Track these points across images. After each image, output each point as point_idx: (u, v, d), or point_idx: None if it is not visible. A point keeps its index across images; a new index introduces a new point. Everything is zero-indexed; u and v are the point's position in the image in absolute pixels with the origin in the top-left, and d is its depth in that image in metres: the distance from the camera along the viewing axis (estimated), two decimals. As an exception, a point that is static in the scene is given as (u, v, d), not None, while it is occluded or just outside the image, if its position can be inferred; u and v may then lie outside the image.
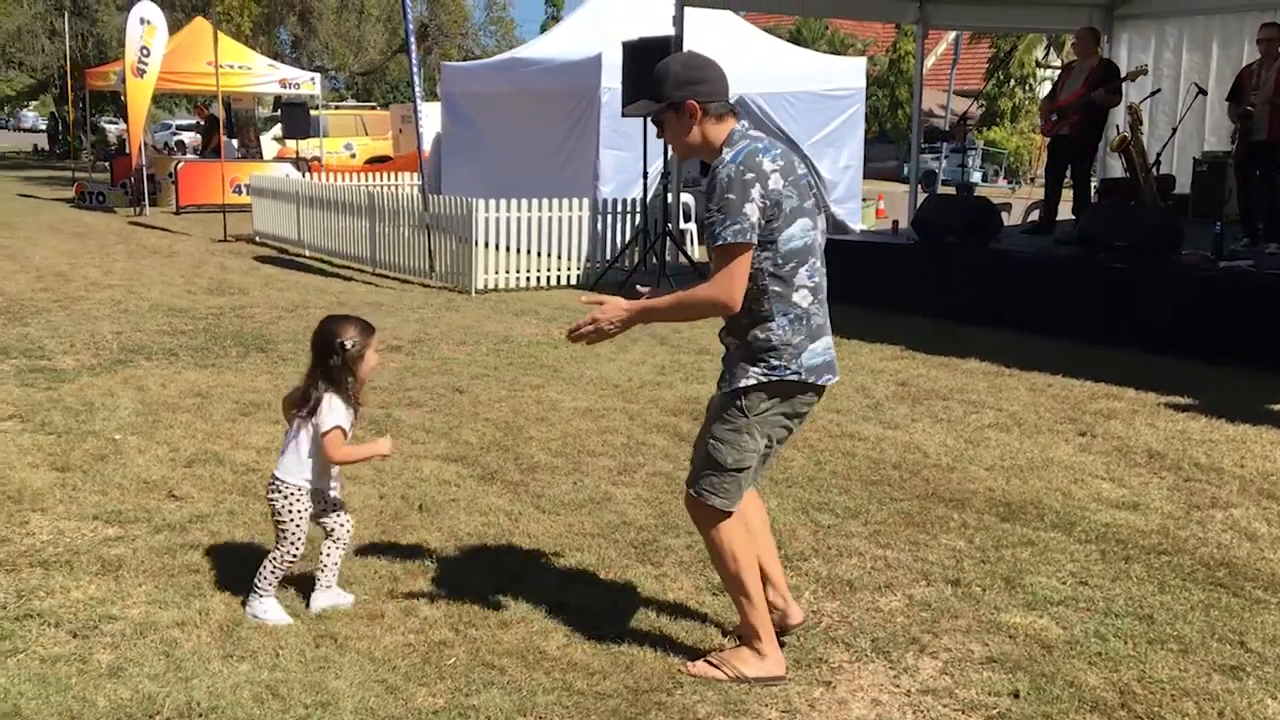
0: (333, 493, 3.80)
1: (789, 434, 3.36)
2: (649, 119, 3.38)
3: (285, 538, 3.70)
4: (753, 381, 3.21)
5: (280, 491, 3.69)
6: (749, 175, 3.11)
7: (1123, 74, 10.85)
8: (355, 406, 3.69)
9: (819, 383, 3.27)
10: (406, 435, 5.88)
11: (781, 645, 3.47)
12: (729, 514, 3.31)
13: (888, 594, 4.00)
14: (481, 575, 4.06)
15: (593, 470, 5.36)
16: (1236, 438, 5.99)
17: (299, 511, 3.70)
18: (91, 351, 7.78)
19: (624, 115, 3.64)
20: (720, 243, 3.11)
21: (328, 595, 3.78)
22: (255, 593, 3.70)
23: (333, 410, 3.61)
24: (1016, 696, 3.30)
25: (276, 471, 3.72)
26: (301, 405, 3.66)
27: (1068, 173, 10.81)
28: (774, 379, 3.21)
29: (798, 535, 4.53)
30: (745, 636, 3.40)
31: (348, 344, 3.61)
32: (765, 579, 3.51)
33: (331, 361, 3.61)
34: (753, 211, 3.10)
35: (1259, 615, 3.82)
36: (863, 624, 3.76)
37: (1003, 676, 3.41)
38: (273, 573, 3.71)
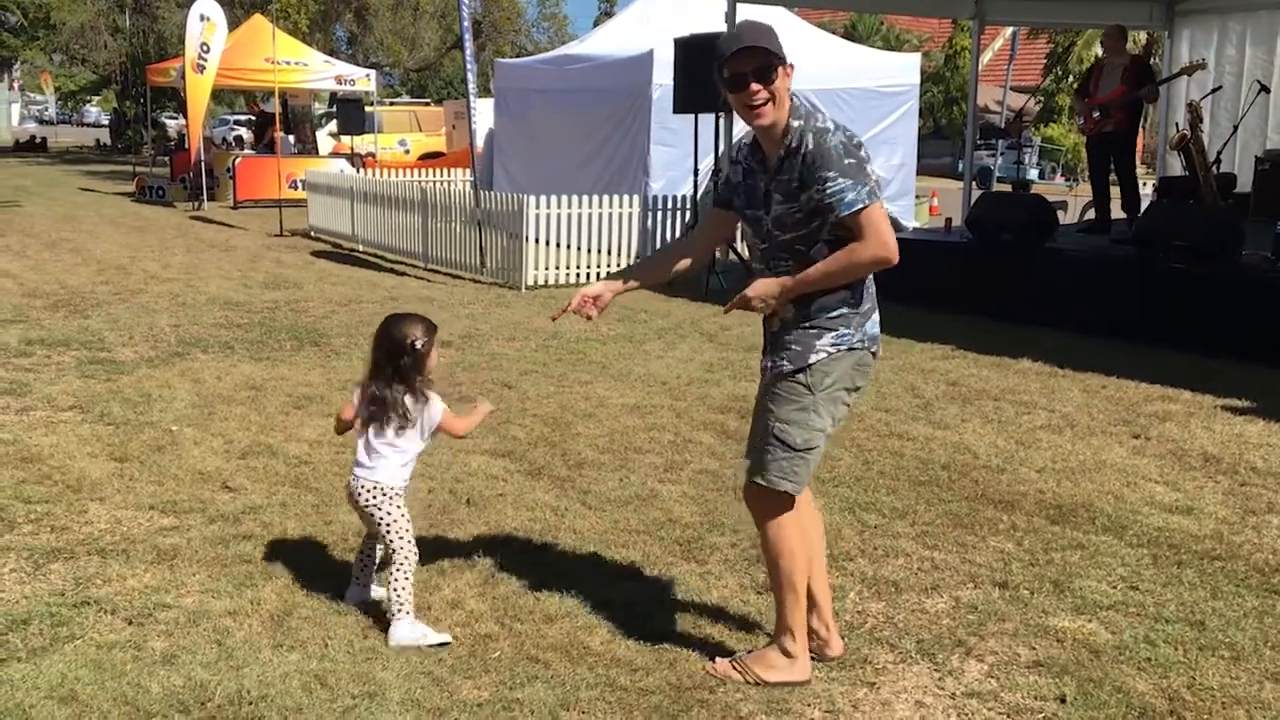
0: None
1: (848, 410, 3.33)
2: (725, 93, 3.17)
3: (402, 541, 3.60)
4: (823, 356, 3.19)
5: (386, 496, 3.61)
6: (855, 139, 3.10)
7: (1177, 69, 10.68)
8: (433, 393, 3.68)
9: (875, 350, 3.29)
10: (455, 430, 5.93)
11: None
12: (791, 504, 3.27)
13: (934, 596, 3.98)
14: (527, 570, 4.10)
15: (639, 467, 5.37)
16: (1295, 442, 5.88)
17: (401, 513, 3.63)
18: (150, 344, 7.93)
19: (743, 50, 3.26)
20: (861, 206, 3.06)
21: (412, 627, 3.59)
22: (400, 617, 3.54)
23: (425, 404, 3.62)
24: (1063, 701, 3.27)
25: (374, 476, 3.61)
26: (381, 409, 3.59)
27: (1112, 169, 10.69)
28: (841, 349, 3.19)
29: (844, 535, 4.52)
30: (778, 633, 3.37)
31: (418, 343, 3.61)
32: (811, 602, 3.44)
33: (404, 361, 3.59)
34: (874, 171, 3.12)
35: (1315, 624, 3.75)
36: (908, 625, 3.74)
37: (1049, 681, 3.38)
38: (407, 586, 3.57)
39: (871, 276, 3.26)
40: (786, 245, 3.21)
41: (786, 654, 3.34)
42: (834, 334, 3.19)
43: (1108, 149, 10.61)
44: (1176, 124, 12.17)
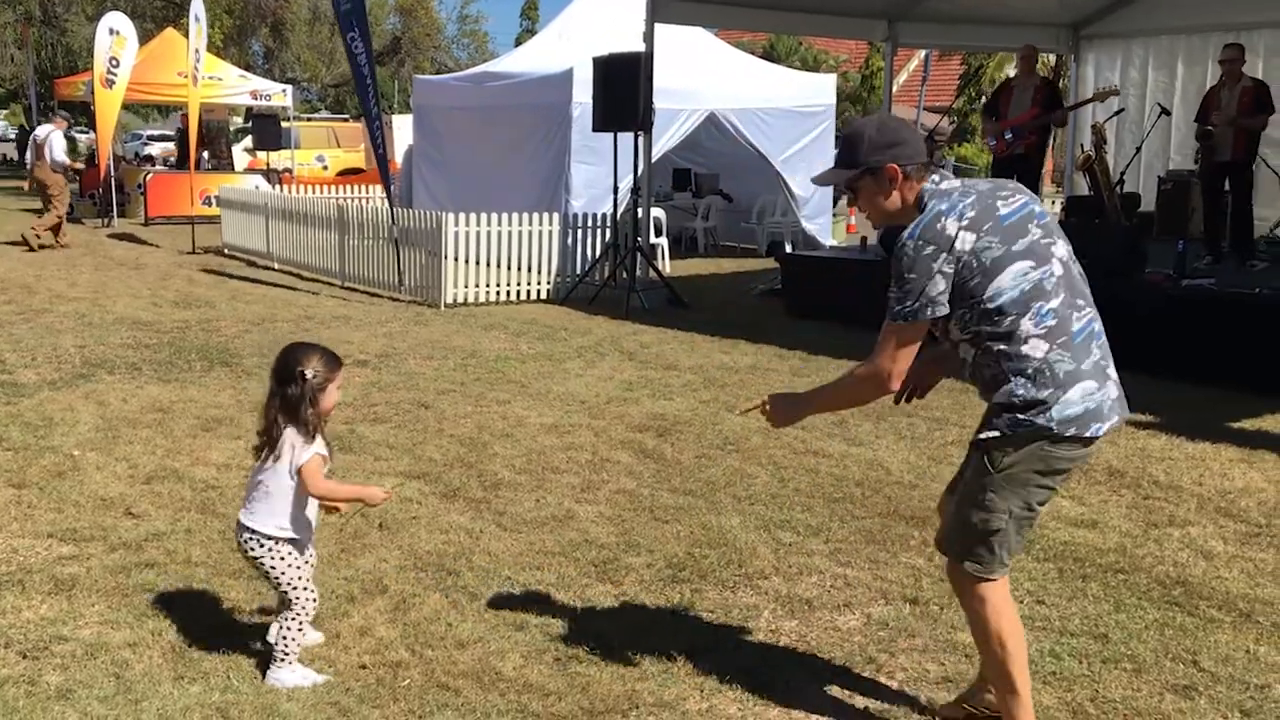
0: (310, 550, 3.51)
1: (1052, 493, 3.03)
2: (842, 184, 3.13)
3: (291, 592, 3.38)
4: (995, 434, 2.93)
5: (260, 544, 3.38)
6: (929, 250, 2.86)
7: (1086, 93, 10.95)
8: (321, 439, 3.42)
9: (1086, 434, 2.89)
10: (370, 451, 5.85)
11: None
12: (988, 581, 3.01)
13: (846, 613, 4.01)
14: (439, 595, 4.05)
15: (556, 487, 5.35)
16: (1196, 455, 6.05)
17: (288, 561, 3.39)
18: (53, 365, 7.70)
19: (814, 183, 3.46)
20: (891, 319, 2.94)
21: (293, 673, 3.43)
22: (279, 662, 3.38)
23: (300, 444, 3.35)
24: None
25: (248, 520, 3.40)
26: (263, 446, 3.38)
27: None
28: (1020, 430, 2.90)
29: (759, 553, 4.54)
30: None
31: (309, 373, 3.36)
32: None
33: (290, 390, 3.35)
34: (935, 286, 2.86)
35: (1212, 634, 3.85)
36: (820, 643, 3.76)
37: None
38: (298, 633, 3.40)
39: (1055, 350, 2.88)
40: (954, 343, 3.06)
41: None
42: (1010, 415, 2.91)
43: (1016, 171, 10.78)
44: (1082, 145, 12.51)
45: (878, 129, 3.06)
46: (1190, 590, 4.23)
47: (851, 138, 3.08)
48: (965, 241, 2.86)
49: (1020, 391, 2.88)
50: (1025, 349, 2.87)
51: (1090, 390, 2.90)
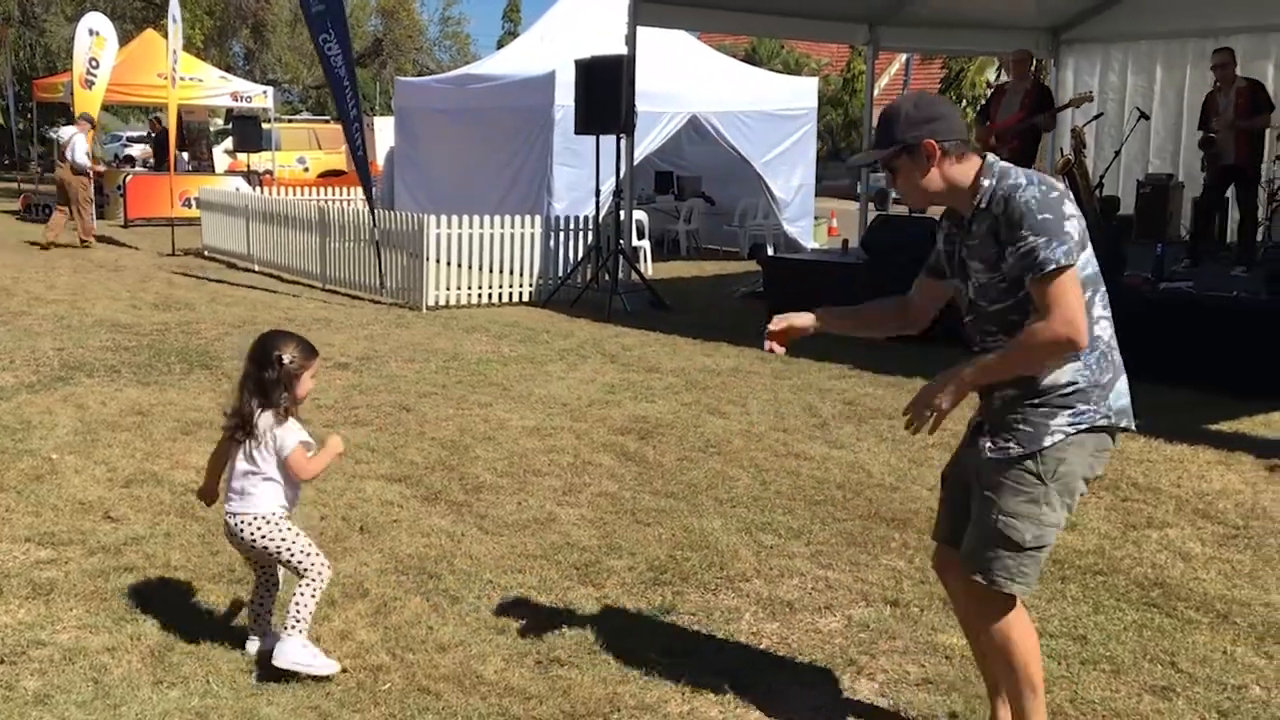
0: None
1: (1082, 498, 2.94)
2: (878, 166, 3.00)
3: (304, 559, 3.44)
4: (1058, 438, 2.77)
5: (266, 522, 3.42)
6: (1054, 193, 2.73)
7: (1064, 99, 10.99)
8: (298, 424, 3.48)
9: (1123, 425, 2.85)
10: (351, 454, 5.81)
11: None
12: (1016, 601, 2.91)
13: (827, 615, 4.02)
14: (421, 598, 4.04)
15: (538, 490, 5.34)
16: (1174, 457, 6.09)
17: (294, 532, 3.46)
18: (31, 368, 7.65)
19: (848, 166, 3.34)
20: (1050, 268, 2.66)
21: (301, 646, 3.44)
22: (291, 634, 3.38)
23: (285, 428, 3.42)
24: (953, 717, 3.33)
25: (243, 507, 3.43)
26: (238, 427, 3.43)
27: None
28: (1081, 428, 2.78)
29: (740, 556, 4.54)
30: None
31: (286, 358, 3.40)
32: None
33: (267, 374, 3.39)
34: (1076, 225, 2.71)
35: (1190, 635, 3.88)
36: (801, 646, 3.77)
37: (938, 698, 3.43)
38: (310, 604, 3.42)
39: (1113, 337, 2.85)
40: (995, 317, 2.87)
41: None
42: (1070, 412, 2.78)
43: None
44: (1062, 149, 12.57)
45: (915, 105, 2.94)
46: (1168, 591, 4.26)
47: (888, 115, 2.96)
48: (1072, 203, 2.77)
49: (1087, 370, 2.78)
50: (1097, 329, 2.79)
51: (1125, 388, 2.89)
